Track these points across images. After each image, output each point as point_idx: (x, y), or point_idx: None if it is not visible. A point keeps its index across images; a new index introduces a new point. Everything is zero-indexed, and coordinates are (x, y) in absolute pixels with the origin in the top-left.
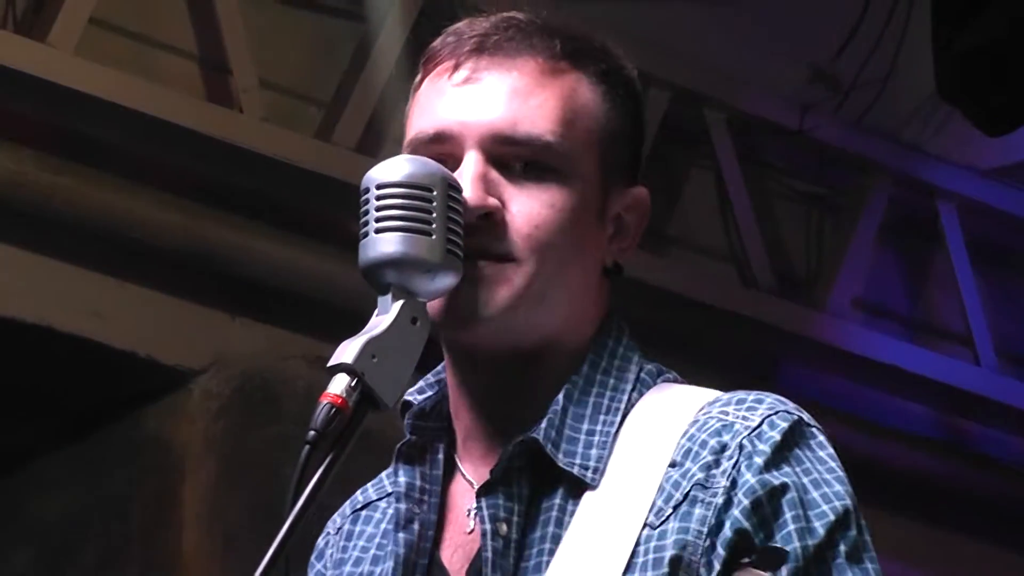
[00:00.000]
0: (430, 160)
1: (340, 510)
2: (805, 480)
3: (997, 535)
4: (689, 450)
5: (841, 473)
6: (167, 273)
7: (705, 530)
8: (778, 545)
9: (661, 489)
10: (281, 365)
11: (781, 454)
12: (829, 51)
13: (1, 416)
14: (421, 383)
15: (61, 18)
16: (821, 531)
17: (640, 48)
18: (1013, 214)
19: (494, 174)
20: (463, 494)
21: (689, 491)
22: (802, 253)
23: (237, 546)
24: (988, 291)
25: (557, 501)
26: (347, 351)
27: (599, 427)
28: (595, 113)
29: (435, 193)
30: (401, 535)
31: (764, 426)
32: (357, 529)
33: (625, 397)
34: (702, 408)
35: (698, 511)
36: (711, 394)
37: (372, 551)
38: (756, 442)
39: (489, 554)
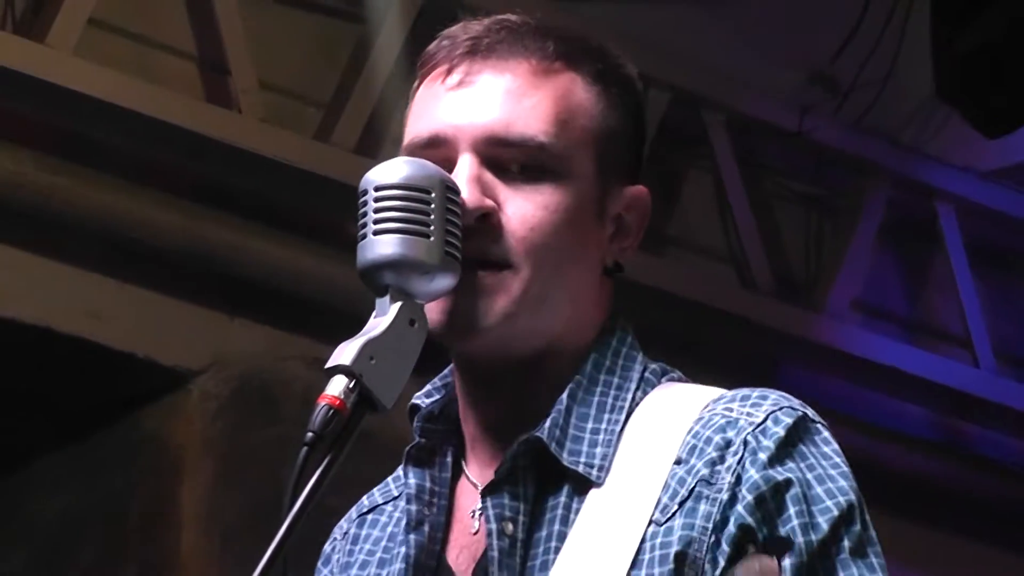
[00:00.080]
0: (428, 162)
1: (347, 515)
2: (809, 476)
3: (996, 536)
4: (694, 447)
5: (846, 469)
6: (166, 274)
7: (710, 526)
8: (779, 539)
9: (666, 486)
10: (279, 366)
11: (785, 450)
12: (828, 53)
13: (0, 416)
14: (428, 387)
15: (60, 19)
16: (825, 526)
17: (639, 49)
18: (1012, 216)
19: (489, 176)
20: (468, 496)
21: (694, 487)
22: (801, 255)
23: (235, 547)
24: (987, 293)
25: (563, 499)
26: (345, 353)
27: (604, 426)
28: (591, 112)
29: (433, 195)
30: (412, 536)
31: (768, 422)
32: (363, 533)
33: (629, 396)
34: (707, 406)
35: (703, 507)
36: (715, 392)
37: (378, 554)
38: (760, 438)
39: (495, 553)
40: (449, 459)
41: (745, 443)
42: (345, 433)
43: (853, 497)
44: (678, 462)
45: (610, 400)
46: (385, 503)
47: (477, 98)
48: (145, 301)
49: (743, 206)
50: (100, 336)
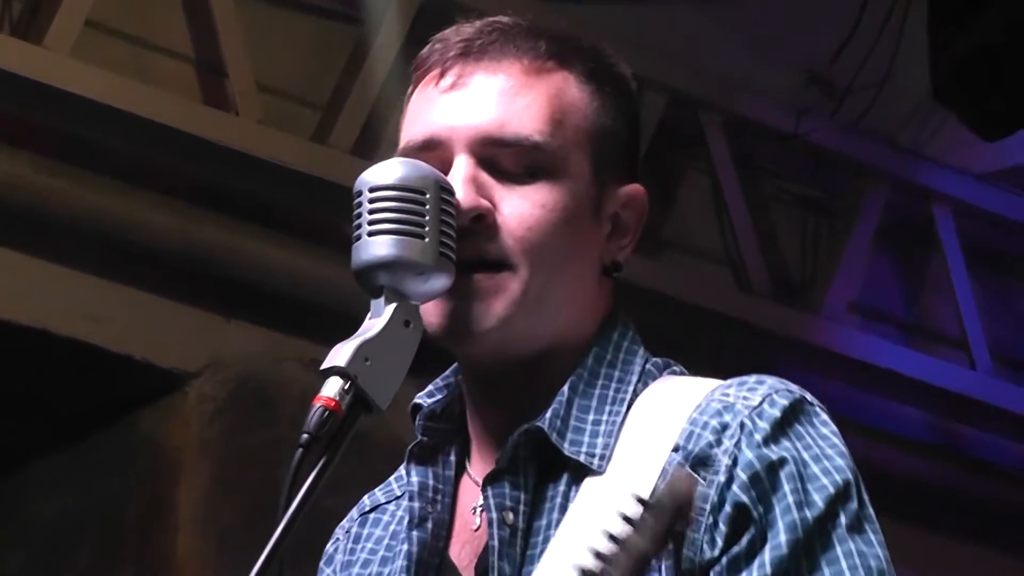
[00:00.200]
0: (423, 163)
1: (348, 515)
2: (805, 455)
3: (993, 538)
4: (691, 433)
5: (843, 448)
6: (163, 276)
7: (708, 507)
8: (777, 517)
9: (664, 472)
10: (276, 368)
11: (781, 430)
12: (825, 55)
13: None
14: (431, 387)
15: (57, 21)
16: (821, 504)
17: (636, 52)
18: (1009, 218)
19: (485, 176)
20: (470, 494)
21: (691, 470)
22: (798, 257)
23: (231, 548)
24: (984, 295)
25: (562, 489)
26: (340, 354)
27: (605, 417)
28: (585, 111)
29: (428, 196)
30: (415, 533)
31: (765, 405)
32: (365, 532)
33: (631, 388)
34: (706, 394)
35: (700, 489)
36: (715, 382)
37: (380, 552)
38: (757, 420)
39: (495, 543)
40: (452, 458)
41: (742, 426)
42: (340, 434)
43: (850, 475)
44: (676, 449)
45: (611, 392)
46: (387, 502)
47: (471, 99)
48: (142, 303)
49: (740, 208)
50: (97, 338)
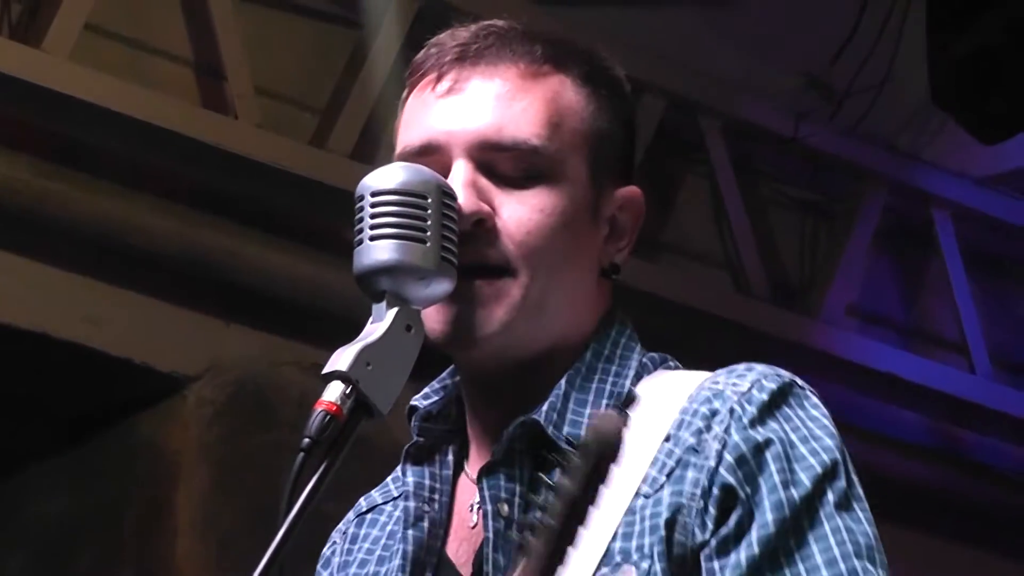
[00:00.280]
0: (424, 168)
1: (345, 518)
2: (793, 436)
3: (992, 542)
4: (682, 421)
5: (832, 429)
6: (162, 279)
7: (699, 492)
8: (763, 497)
9: (655, 461)
10: (275, 372)
11: (769, 411)
12: (824, 59)
13: None
14: (427, 389)
15: (56, 24)
16: (808, 483)
17: (636, 55)
18: (1008, 222)
19: (484, 181)
20: (468, 492)
21: (682, 457)
22: (796, 260)
23: (231, 552)
24: (983, 299)
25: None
26: (342, 359)
27: (602, 410)
28: (581, 114)
29: (430, 200)
30: (411, 532)
31: (754, 390)
32: (362, 532)
33: (627, 382)
34: (697, 385)
35: (691, 474)
36: (708, 374)
37: (378, 552)
38: (746, 405)
39: (490, 534)
40: (450, 458)
41: (731, 411)
42: (341, 439)
43: (837, 454)
44: (667, 438)
45: (608, 386)
46: (384, 503)
47: (468, 104)
48: (141, 307)
49: (739, 211)
50: (97, 342)
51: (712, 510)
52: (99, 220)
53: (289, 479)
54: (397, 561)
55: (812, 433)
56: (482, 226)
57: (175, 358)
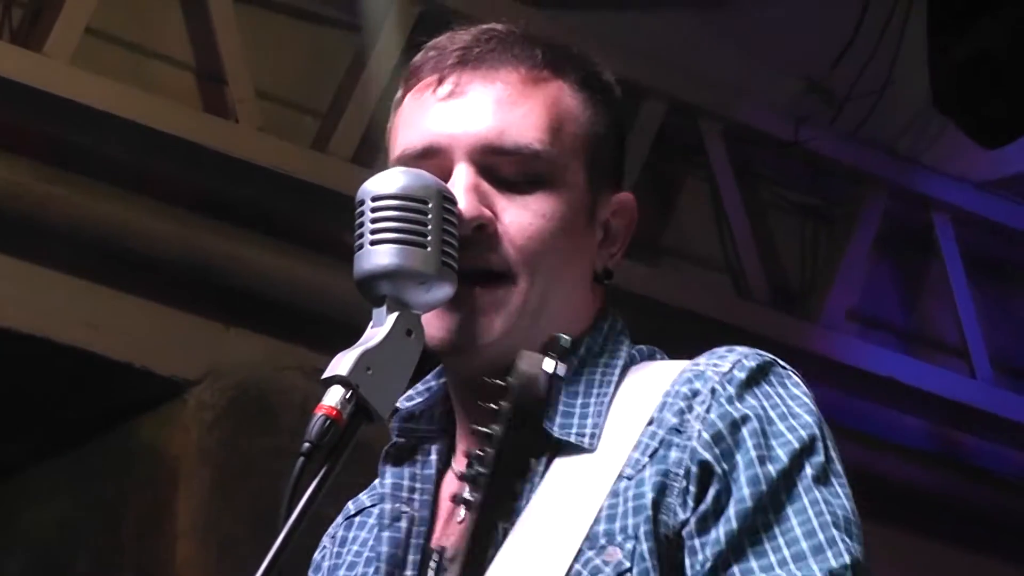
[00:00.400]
0: (425, 173)
1: (334, 522)
2: (771, 413)
3: (992, 547)
4: (665, 404)
5: (812, 406)
6: (163, 283)
7: (682, 472)
8: (740, 473)
9: (638, 444)
10: (276, 376)
11: (748, 388)
12: (824, 63)
13: None
14: (411, 391)
15: (57, 28)
16: (785, 457)
17: (636, 59)
18: (1008, 226)
19: (485, 185)
20: (454, 488)
21: (664, 438)
22: (797, 264)
23: (231, 557)
24: (984, 303)
25: (540, 469)
26: (342, 363)
27: (593, 399)
28: (580, 119)
29: (430, 205)
30: (386, 533)
31: (734, 370)
32: (351, 535)
33: (617, 371)
34: (681, 370)
35: (674, 454)
36: (692, 360)
37: (365, 554)
38: (726, 384)
39: None
40: (433, 457)
41: (712, 391)
42: (341, 443)
43: (816, 430)
44: (650, 422)
45: (598, 377)
46: (372, 505)
47: (469, 108)
48: (142, 311)
49: (739, 216)
50: (97, 346)
51: (692, 488)
52: (100, 224)
53: (289, 483)
54: (376, 564)
55: (791, 410)
56: (483, 231)
57: (175, 362)
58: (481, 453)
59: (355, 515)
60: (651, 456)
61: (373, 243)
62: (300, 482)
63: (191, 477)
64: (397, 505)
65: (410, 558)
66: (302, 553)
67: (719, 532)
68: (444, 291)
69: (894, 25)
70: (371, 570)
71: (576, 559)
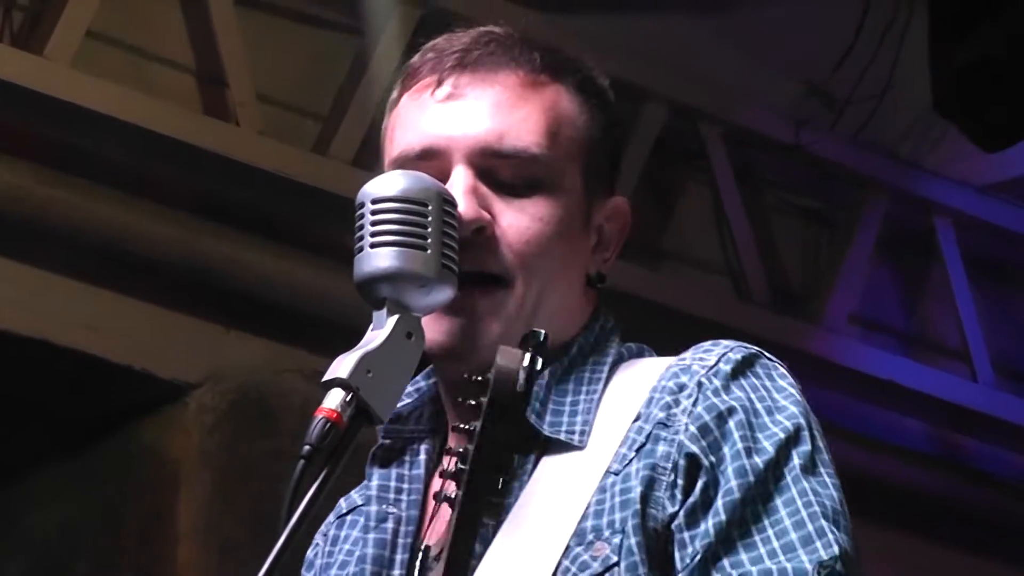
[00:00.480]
0: (425, 175)
1: (326, 520)
2: (757, 404)
3: (993, 549)
4: (651, 399)
5: (798, 397)
6: (163, 286)
7: (669, 465)
8: (727, 465)
9: (626, 439)
10: (277, 379)
11: (734, 380)
12: (825, 66)
13: None
14: None
15: (58, 31)
16: (771, 449)
17: (637, 63)
18: (1010, 229)
19: (483, 188)
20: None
21: (651, 432)
22: (798, 267)
23: (232, 559)
24: (985, 306)
25: (530, 467)
26: (342, 366)
27: (582, 397)
28: (577, 123)
29: (430, 208)
30: (371, 536)
31: (720, 363)
32: (343, 534)
33: (606, 369)
34: (667, 365)
35: (661, 448)
36: (678, 356)
37: (357, 553)
38: (712, 378)
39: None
40: (421, 456)
41: (699, 385)
42: (342, 446)
43: (802, 420)
44: (637, 417)
45: (587, 374)
46: (363, 504)
47: (468, 110)
48: (142, 314)
49: (740, 219)
50: (97, 349)
51: (680, 481)
52: (100, 227)
53: (289, 486)
54: (362, 565)
55: (776, 402)
56: (482, 234)
57: (176, 365)
58: (462, 449)
59: (347, 513)
60: (638, 451)
61: (373, 245)
62: (300, 485)
63: (192, 480)
64: (384, 507)
65: (398, 557)
66: (302, 555)
67: (708, 524)
68: (444, 294)
69: (895, 29)
70: (361, 570)
71: (564, 555)
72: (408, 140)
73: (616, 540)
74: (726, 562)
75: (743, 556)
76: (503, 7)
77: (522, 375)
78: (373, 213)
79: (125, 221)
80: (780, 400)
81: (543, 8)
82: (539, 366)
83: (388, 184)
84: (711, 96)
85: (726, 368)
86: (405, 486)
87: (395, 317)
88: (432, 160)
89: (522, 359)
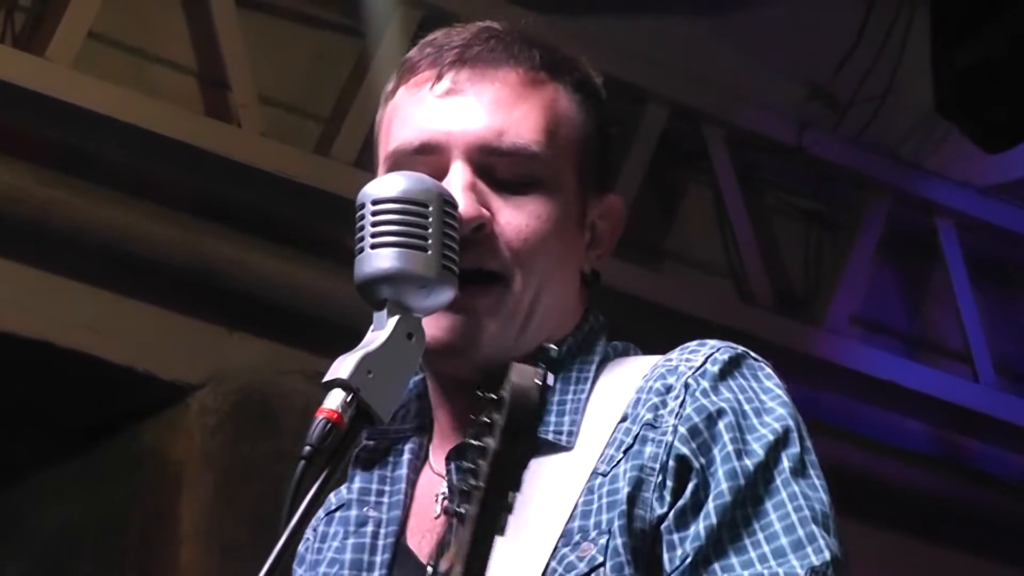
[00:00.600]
0: (426, 176)
1: (316, 515)
2: (746, 406)
3: (994, 550)
4: (638, 400)
5: (786, 399)
6: (165, 288)
7: (657, 466)
8: (717, 468)
9: (612, 440)
10: (279, 380)
11: (723, 382)
12: (828, 68)
13: (0, 430)
14: None
15: (60, 32)
16: (761, 452)
17: (639, 64)
18: (1011, 230)
19: (481, 185)
20: (432, 486)
21: (639, 433)
22: (800, 269)
23: (233, 560)
24: (987, 307)
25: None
26: (343, 367)
27: (570, 397)
28: (574, 122)
29: (431, 209)
30: (350, 541)
31: (707, 364)
32: (332, 530)
33: (592, 369)
34: (652, 365)
35: (649, 449)
36: (664, 356)
37: (338, 557)
38: (700, 379)
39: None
40: (405, 456)
41: (686, 386)
42: (343, 447)
43: (791, 422)
44: (624, 418)
45: (575, 374)
46: (344, 507)
47: (468, 106)
48: (144, 315)
49: (743, 220)
50: (99, 350)
51: (669, 482)
52: (102, 228)
53: (290, 487)
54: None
55: (764, 404)
56: (481, 231)
57: (178, 366)
58: (473, 466)
59: (335, 510)
60: (625, 452)
61: (374, 247)
62: (301, 486)
63: (194, 481)
64: (364, 510)
65: (378, 559)
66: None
67: (698, 527)
68: (445, 295)
69: (897, 30)
70: (345, 572)
71: (552, 556)
72: (405, 134)
73: (602, 541)
74: (716, 566)
75: (734, 560)
76: (503, 8)
77: (537, 393)
78: (374, 214)
79: (127, 222)
80: (768, 401)
81: (544, 10)
82: (551, 382)
83: (389, 185)
84: (713, 97)
85: (713, 369)
86: (387, 488)
87: (396, 318)
88: (430, 155)
89: (535, 376)
